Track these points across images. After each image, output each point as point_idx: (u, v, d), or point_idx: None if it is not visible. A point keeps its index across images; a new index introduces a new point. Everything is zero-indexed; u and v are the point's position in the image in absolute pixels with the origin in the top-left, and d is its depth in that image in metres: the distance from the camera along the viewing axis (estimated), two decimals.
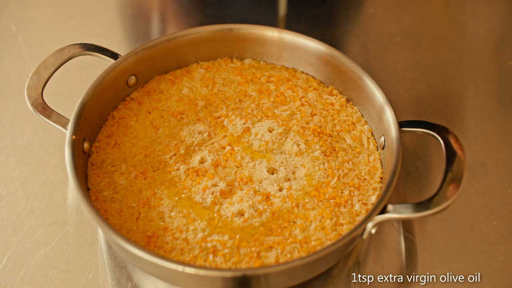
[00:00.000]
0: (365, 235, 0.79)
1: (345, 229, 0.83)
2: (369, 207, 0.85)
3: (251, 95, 1.00)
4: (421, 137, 0.90)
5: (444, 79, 1.14)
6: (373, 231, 0.78)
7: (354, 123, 0.96)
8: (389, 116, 0.87)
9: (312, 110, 0.97)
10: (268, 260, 0.79)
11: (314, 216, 0.83)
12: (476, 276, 0.85)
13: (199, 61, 1.05)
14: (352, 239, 0.77)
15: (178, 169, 0.89)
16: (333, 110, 0.97)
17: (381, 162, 0.91)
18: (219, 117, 0.97)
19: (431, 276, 0.85)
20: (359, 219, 0.84)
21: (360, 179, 0.88)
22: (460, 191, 0.76)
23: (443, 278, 0.85)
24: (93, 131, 0.92)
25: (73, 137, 0.85)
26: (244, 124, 0.94)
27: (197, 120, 0.96)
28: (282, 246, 0.80)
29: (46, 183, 0.95)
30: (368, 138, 0.94)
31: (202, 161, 0.90)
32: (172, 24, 1.23)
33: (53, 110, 0.88)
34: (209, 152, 0.91)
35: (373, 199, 0.86)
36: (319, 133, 0.93)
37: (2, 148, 1.00)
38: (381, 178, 0.89)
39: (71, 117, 0.87)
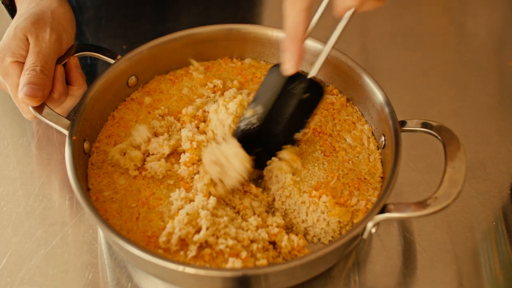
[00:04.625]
0: (365, 235, 0.79)
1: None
2: (369, 206, 0.85)
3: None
4: (421, 136, 0.90)
5: (444, 79, 1.14)
6: (373, 230, 0.78)
7: (354, 123, 0.96)
8: (389, 116, 0.87)
9: None
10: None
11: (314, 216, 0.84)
12: (476, 276, 0.85)
13: (199, 61, 1.05)
14: (352, 238, 0.76)
15: (178, 169, 0.89)
16: (333, 109, 0.97)
17: (381, 162, 0.91)
18: None
19: (431, 276, 0.85)
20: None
21: (360, 178, 0.88)
22: (460, 190, 0.76)
23: (443, 278, 0.85)
24: (93, 131, 0.92)
25: (74, 137, 0.85)
26: None
27: None
28: None
29: (46, 183, 0.95)
30: (368, 138, 0.94)
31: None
32: (172, 24, 1.23)
33: (53, 111, 0.88)
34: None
35: (373, 198, 0.86)
36: (319, 132, 0.93)
37: (2, 149, 1.00)
38: (382, 177, 0.89)
39: (72, 118, 0.87)
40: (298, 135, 0.88)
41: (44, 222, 0.90)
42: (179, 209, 0.82)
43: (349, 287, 0.84)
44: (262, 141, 0.86)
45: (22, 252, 0.87)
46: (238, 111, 0.87)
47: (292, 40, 0.76)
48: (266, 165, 0.88)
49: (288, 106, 0.85)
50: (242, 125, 0.86)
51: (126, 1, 1.27)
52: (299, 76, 0.83)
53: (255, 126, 0.85)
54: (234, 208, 0.86)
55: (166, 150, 0.89)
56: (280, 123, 0.85)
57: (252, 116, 0.85)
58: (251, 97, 0.88)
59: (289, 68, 0.79)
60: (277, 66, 0.84)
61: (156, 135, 0.93)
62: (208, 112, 0.95)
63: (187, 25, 1.11)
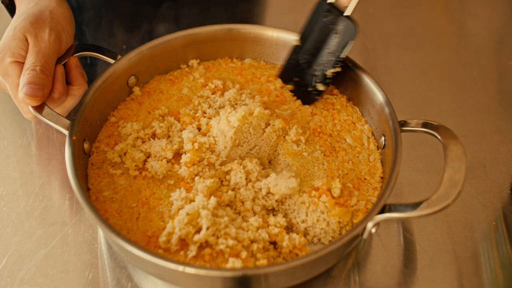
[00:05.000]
0: (365, 235, 0.79)
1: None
2: (369, 206, 0.85)
3: None
4: (421, 136, 0.90)
5: (444, 79, 1.14)
6: (373, 230, 0.78)
7: (354, 123, 0.96)
8: (389, 116, 0.87)
9: (312, 110, 0.97)
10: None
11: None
12: (476, 276, 0.85)
13: (199, 61, 1.05)
14: (352, 238, 0.76)
15: (178, 169, 0.89)
16: (334, 109, 0.97)
17: (381, 162, 0.91)
18: None
19: (431, 276, 0.85)
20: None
21: (360, 178, 0.88)
22: (460, 190, 0.76)
23: (443, 278, 0.85)
24: (93, 131, 0.92)
25: (74, 137, 0.85)
26: None
27: None
28: None
29: (46, 183, 0.95)
30: (368, 138, 0.94)
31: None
32: (172, 24, 1.23)
33: (53, 111, 0.88)
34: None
35: (373, 199, 0.86)
36: (319, 132, 0.93)
37: (2, 149, 1.00)
38: (382, 177, 0.89)
39: (72, 118, 0.87)
40: (329, 72, 0.93)
41: (44, 222, 0.90)
42: (179, 209, 0.82)
43: (349, 287, 0.84)
44: (300, 70, 0.96)
45: (22, 252, 0.87)
46: (240, 125, 0.87)
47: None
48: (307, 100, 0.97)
49: (321, 38, 0.94)
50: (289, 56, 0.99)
51: (126, 1, 1.27)
52: (334, 10, 0.91)
53: (293, 56, 0.98)
54: (235, 209, 0.85)
55: (169, 155, 0.89)
56: (313, 54, 0.94)
57: (294, 46, 0.96)
58: (256, 110, 0.88)
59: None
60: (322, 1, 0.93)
61: (155, 135, 0.93)
62: (205, 112, 0.95)
63: (187, 25, 1.11)
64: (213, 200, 0.82)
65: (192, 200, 0.83)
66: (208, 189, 0.84)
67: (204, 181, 0.85)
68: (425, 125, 0.85)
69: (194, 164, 0.87)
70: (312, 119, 0.95)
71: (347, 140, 0.93)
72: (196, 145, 0.87)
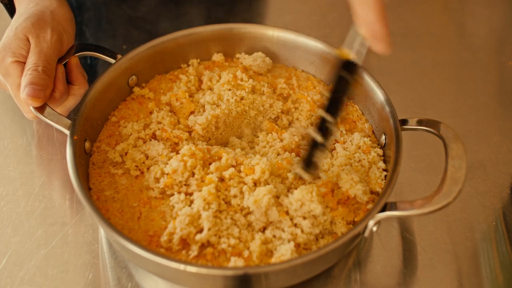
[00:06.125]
0: (366, 233, 0.79)
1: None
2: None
3: None
4: (422, 137, 0.90)
5: (444, 79, 1.15)
6: (375, 228, 0.78)
7: (354, 121, 0.96)
8: (390, 114, 0.87)
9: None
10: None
11: None
12: (476, 276, 0.85)
13: (199, 61, 1.05)
14: (353, 237, 0.76)
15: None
16: None
17: (382, 161, 0.91)
18: None
19: (431, 276, 0.85)
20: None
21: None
22: (461, 188, 0.76)
23: (443, 278, 0.85)
24: (94, 131, 0.92)
25: (75, 137, 0.85)
26: None
27: None
28: None
29: (46, 183, 0.95)
30: (369, 137, 0.94)
31: None
32: (173, 24, 1.23)
33: (54, 110, 0.87)
34: None
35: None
36: None
37: (2, 149, 1.00)
38: None
39: (73, 117, 0.87)
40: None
41: (44, 222, 0.90)
42: (179, 211, 0.82)
43: (350, 286, 0.84)
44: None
45: (22, 252, 0.87)
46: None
47: (385, 23, 0.72)
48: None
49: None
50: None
51: (126, 1, 1.27)
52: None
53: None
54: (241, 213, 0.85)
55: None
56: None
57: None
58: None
59: (388, 48, 0.75)
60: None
61: (155, 136, 0.93)
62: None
63: (187, 25, 1.11)
64: (214, 205, 0.81)
65: (192, 201, 0.83)
66: (208, 192, 0.83)
67: (200, 189, 0.84)
68: (425, 123, 0.85)
69: (173, 186, 0.85)
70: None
71: (348, 138, 0.93)
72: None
